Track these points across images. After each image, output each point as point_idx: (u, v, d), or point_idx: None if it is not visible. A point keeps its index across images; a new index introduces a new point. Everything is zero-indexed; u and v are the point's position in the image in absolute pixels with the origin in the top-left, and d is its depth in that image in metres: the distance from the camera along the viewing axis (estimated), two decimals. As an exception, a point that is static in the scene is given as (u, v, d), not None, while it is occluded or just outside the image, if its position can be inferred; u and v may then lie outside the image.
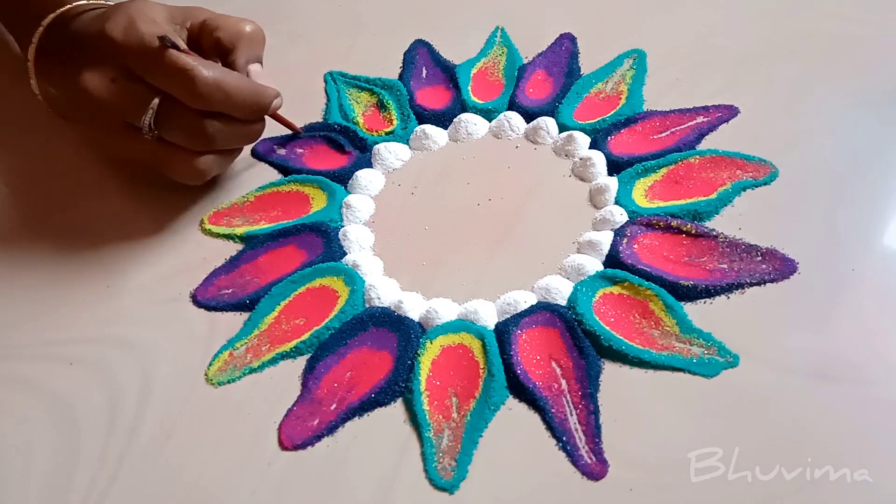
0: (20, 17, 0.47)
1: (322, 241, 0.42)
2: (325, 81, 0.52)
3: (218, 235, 0.43)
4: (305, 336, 0.38)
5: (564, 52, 0.50)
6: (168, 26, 0.42)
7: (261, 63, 0.45)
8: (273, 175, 0.47)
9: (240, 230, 0.43)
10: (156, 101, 0.39)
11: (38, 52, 0.44)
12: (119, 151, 0.44)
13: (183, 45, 0.40)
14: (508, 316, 0.38)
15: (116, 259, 0.43)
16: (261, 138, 0.49)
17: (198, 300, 0.40)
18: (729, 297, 0.36)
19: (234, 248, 0.43)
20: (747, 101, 0.45)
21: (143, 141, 0.40)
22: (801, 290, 0.36)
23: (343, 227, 0.43)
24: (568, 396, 0.34)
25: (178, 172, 0.42)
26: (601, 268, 0.39)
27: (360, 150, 0.47)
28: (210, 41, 0.44)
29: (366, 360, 0.37)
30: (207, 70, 0.39)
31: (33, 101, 0.46)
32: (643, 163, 0.42)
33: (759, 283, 0.37)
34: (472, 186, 0.44)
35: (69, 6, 0.45)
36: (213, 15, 0.44)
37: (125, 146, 0.41)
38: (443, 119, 0.48)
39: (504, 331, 0.37)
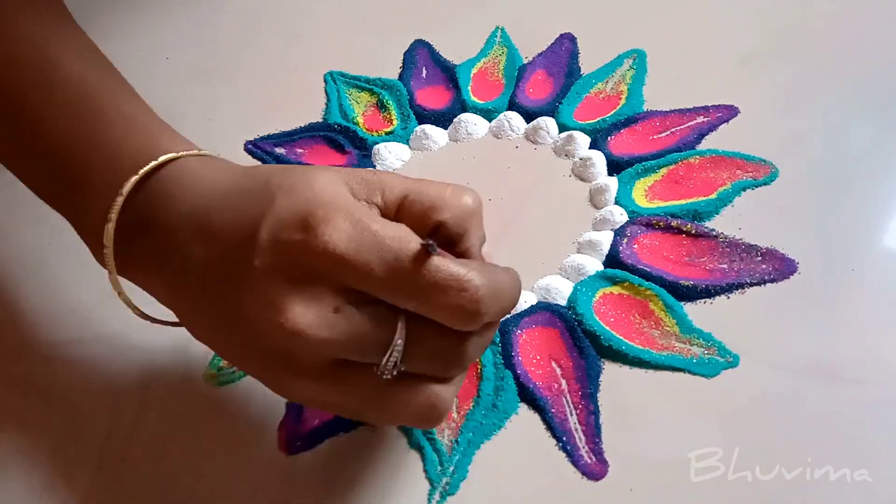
0: (72, 178, 0.32)
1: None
2: (325, 81, 0.52)
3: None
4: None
5: (564, 52, 0.50)
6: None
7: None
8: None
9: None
10: (402, 328, 0.27)
11: (122, 241, 0.31)
12: (305, 396, 0.29)
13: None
14: (508, 316, 0.38)
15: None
16: (259, 137, 0.49)
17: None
18: (729, 297, 0.36)
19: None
20: (747, 101, 0.45)
21: (359, 382, 0.28)
22: (801, 290, 0.36)
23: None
24: (568, 396, 0.34)
25: (411, 415, 0.29)
26: (601, 268, 0.39)
27: (360, 150, 0.47)
28: (424, 225, 0.29)
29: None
30: (480, 276, 0.27)
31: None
32: (643, 163, 0.42)
33: (759, 283, 0.36)
34: (471, 186, 0.44)
35: (156, 162, 0.31)
36: (412, 185, 0.29)
37: (323, 390, 0.28)
38: (443, 119, 0.48)
39: (504, 331, 0.37)
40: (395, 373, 0.27)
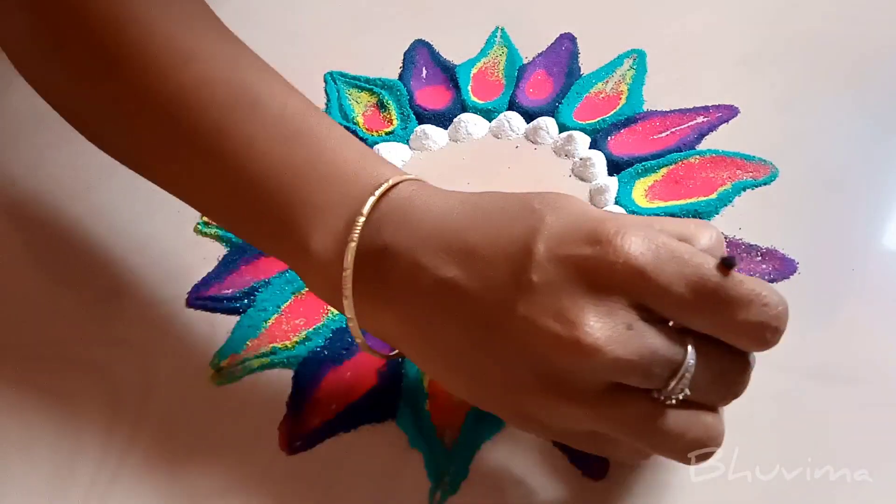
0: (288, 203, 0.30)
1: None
2: (325, 81, 0.52)
3: (217, 236, 0.43)
4: (305, 334, 0.38)
5: (564, 52, 0.50)
6: None
7: None
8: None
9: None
10: (692, 352, 0.25)
11: (360, 264, 0.29)
12: (568, 425, 0.27)
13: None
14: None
15: (116, 259, 0.43)
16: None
17: (197, 300, 0.40)
18: (729, 297, 0.36)
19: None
20: (747, 101, 0.45)
21: (634, 409, 0.26)
22: (801, 290, 0.36)
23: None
24: (568, 396, 0.34)
25: (685, 447, 0.26)
26: (601, 268, 0.39)
27: (360, 150, 0.47)
28: None
29: (366, 359, 0.37)
30: (776, 293, 0.26)
31: (25, 105, 0.44)
32: (643, 163, 0.42)
33: (759, 283, 0.36)
34: (471, 186, 0.44)
35: (388, 184, 0.29)
36: (652, 220, 0.27)
37: (591, 417, 0.26)
38: (443, 119, 0.48)
39: (504, 331, 0.37)
40: (680, 397, 0.25)
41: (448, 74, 0.50)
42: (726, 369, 0.26)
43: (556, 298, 0.25)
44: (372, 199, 0.29)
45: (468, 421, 0.34)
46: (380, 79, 0.51)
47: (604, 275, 0.25)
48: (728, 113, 0.44)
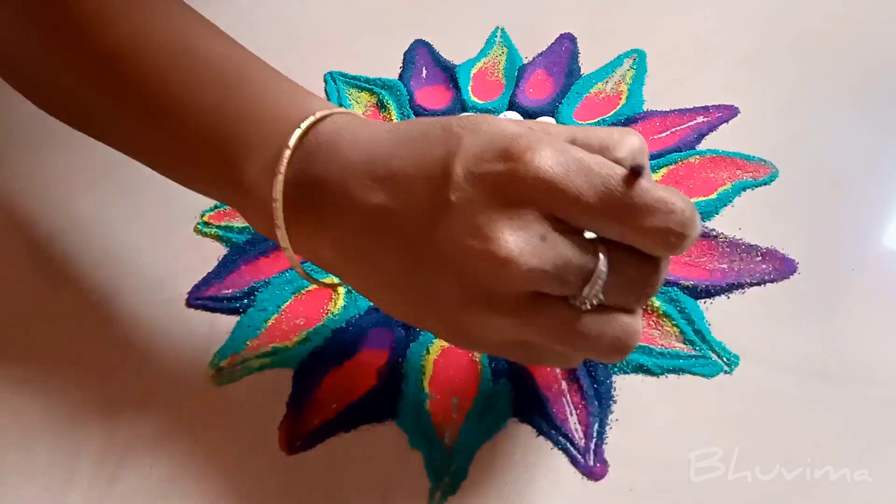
0: (216, 140, 0.32)
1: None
2: (325, 81, 0.52)
3: (217, 236, 0.43)
4: (305, 334, 0.38)
5: (564, 52, 0.50)
6: None
7: None
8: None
9: (239, 226, 0.43)
10: (603, 259, 0.26)
11: (286, 201, 0.30)
12: (497, 336, 0.28)
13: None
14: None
15: (116, 258, 0.43)
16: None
17: (197, 300, 0.40)
18: (729, 297, 0.36)
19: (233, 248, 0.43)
20: (747, 101, 0.45)
21: (555, 315, 0.27)
22: (801, 290, 0.36)
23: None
24: (568, 396, 0.34)
25: (605, 347, 0.28)
26: (601, 268, 0.39)
27: (360, 150, 0.47)
28: None
29: (366, 359, 0.37)
30: (684, 200, 0.26)
31: (25, 106, 0.44)
32: (643, 163, 0.42)
33: (759, 283, 0.37)
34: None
35: (314, 117, 0.30)
36: (575, 130, 0.29)
37: (517, 326, 0.27)
38: (443, 119, 0.48)
39: (504, 331, 0.37)
40: (594, 302, 0.27)
41: (448, 74, 0.50)
42: (638, 273, 0.27)
43: (473, 215, 0.26)
44: (298, 132, 0.30)
45: (468, 421, 0.34)
46: (380, 79, 0.51)
47: (516, 189, 0.26)
48: (728, 113, 0.44)
